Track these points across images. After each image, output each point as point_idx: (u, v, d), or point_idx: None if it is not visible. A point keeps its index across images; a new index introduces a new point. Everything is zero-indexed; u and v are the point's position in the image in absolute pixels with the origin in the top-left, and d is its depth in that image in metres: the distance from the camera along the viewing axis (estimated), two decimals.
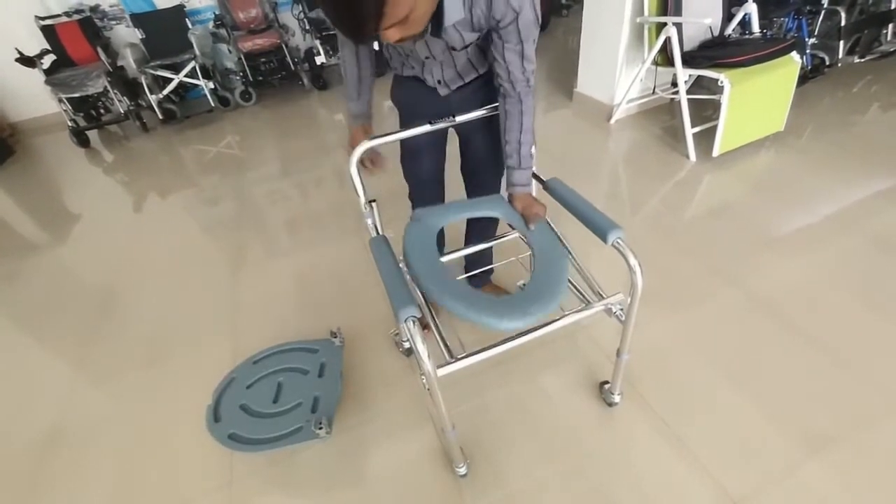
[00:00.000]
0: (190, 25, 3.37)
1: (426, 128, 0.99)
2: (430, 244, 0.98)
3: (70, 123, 3.23)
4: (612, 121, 2.58)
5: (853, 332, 1.29)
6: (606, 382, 1.20)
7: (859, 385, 1.16)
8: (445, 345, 0.92)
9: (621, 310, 0.96)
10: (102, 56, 3.15)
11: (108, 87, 3.16)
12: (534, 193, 1.15)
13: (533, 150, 1.01)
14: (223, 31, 3.60)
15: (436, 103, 1.04)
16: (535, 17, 0.80)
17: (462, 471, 1.07)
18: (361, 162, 1.03)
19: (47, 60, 3.18)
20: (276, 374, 1.24)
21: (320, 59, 3.59)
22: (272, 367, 1.26)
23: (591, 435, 1.14)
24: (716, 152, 2.10)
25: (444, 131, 1.16)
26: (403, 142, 1.11)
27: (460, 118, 1.00)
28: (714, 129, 2.06)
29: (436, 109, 1.02)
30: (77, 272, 2.04)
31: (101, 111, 3.54)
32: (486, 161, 1.18)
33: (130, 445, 1.27)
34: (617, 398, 1.17)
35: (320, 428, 1.06)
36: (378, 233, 1.01)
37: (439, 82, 1.02)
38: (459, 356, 0.87)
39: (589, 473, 1.06)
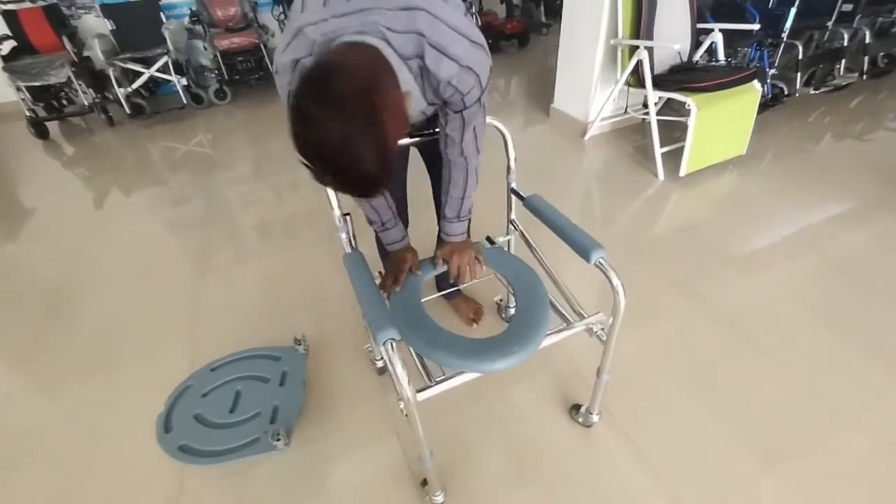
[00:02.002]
0: (164, 19, 3.27)
1: (405, 140, 0.97)
2: (415, 300, 0.96)
3: (28, 113, 3.07)
4: (587, 137, 2.65)
5: (807, 348, 1.35)
6: (579, 406, 1.18)
7: (812, 400, 1.21)
8: (424, 367, 0.89)
9: (602, 329, 0.96)
10: (68, 45, 3.02)
11: (72, 78, 3.02)
12: (513, 214, 1.16)
13: (465, 209, 1.00)
14: (199, 28, 3.52)
15: None
16: (479, 94, 0.79)
17: (439, 499, 1.02)
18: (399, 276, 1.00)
19: (6, 46, 3.02)
20: (235, 382, 1.19)
21: None
22: (231, 375, 1.21)
23: (563, 455, 1.12)
24: (683, 172, 2.18)
25: (406, 155, 1.15)
26: None
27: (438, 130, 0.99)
28: (681, 149, 2.15)
29: None
30: (26, 270, 1.92)
31: (64, 102, 3.38)
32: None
33: (72, 456, 1.18)
34: (595, 418, 1.16)
35: (278, 439, 1.02)
36: (352, 248, 0.98)
37: None
38: (438, 379, 0.85)
39: (562, 497, 1.05)
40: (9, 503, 1.10)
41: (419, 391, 0.81)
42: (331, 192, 0.94)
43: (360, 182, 0.61)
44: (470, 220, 1.06)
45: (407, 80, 0.70)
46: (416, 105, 0.75)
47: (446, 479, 1.07)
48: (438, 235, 1.34)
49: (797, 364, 1.30)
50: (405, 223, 1.29)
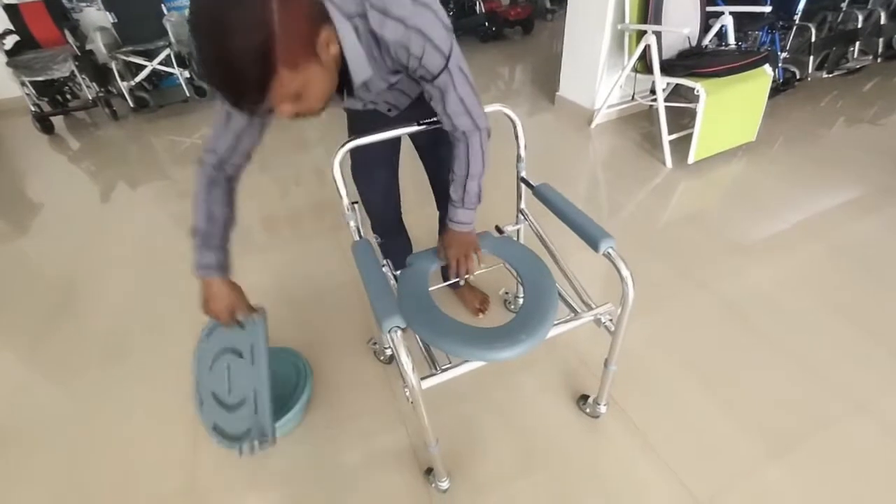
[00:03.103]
0: (165, 11, 3.25)
1: (414, 128, 0.95)
2: (422, 288, 0.95)
3: (33, 108, 3.08)
4: (593, 125, 2.61)
5: (816, 336, 1.34)
6: (587, 396, 1.18)
7: (819, 388, 1.20)
8: (430, 355, 0.89)
9: (610, 320, 0.95)
10: (70, 39, 3.01)
11: (76, 72, 3.02)
12: (522, 203, 1.13)
13: (471, 193, 0.95)
14: None
15: (387, 122, 0.99)
16: (441, 60, 0.75)
17: (444, 485, 1.03)
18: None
19: (9, 41, 3.02)
20: (223, 354, 1.09)
21: None
22: (220, 345, 1.13)
23: (570, 445, 1.12)
24: (691, 159, 2.15)
25: (398, 144, 1.14)
26: (354, 154, 1.07)
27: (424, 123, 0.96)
28: (690, 136, 2.11)
29: (387, 124, 0.97)
30: (36, 264, 1.94)
31: (68, 96, 3.39)
32: (449, 165, 1.16)
33: (85, 446, 1.20)
34: (603, 409, 1.15)
35: (264, 438, 0.98)
36: (360, 236, 0.97)
37: (389, 110, 0.98)
38: (444, 367, 0.85)
39: (568, 486, 1.05)
40: (22, 492, 1.12)
41: (424, 378, 0.81)
42: (339, 181, 0.93)
43: (226, 67, 0.56)
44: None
45: (349, 37, 0.68)
46: (359, 73, 0.72)
47: (452, 467, 1.08)
48: (440, 222, 1.33)
49: (805, 352, 1.29)
50: (397, 215, 1.28)
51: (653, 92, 2.24)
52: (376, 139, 0.93)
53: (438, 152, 1.11)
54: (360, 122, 1.07)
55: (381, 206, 1.23)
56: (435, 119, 0.93)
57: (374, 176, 1.16)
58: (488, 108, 0.97)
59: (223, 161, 0.83)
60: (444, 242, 1.01)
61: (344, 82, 0.74)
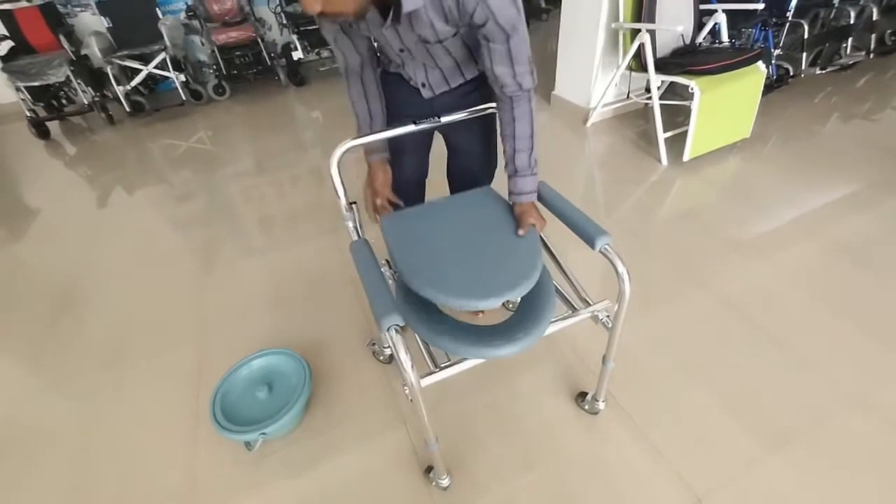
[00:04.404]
0: (160, 15, 3.25)
1: (409, 128, 0.96)
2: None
3: (28, 113, 3.07)
4: (589, 124, 2.62)
5: (812, 331, 1.34)
6: (585, 393, 1.19)
7: (816, 383, 1.21)
8: (429, 353, 0.90)
9: (608, 317, 0.95)
10: (65, 44, 3.01)
11: (71, 77, 3.02)
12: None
13: (533, 158, 0.96)
14: (196, 23, 3.49)
15: (419, 104, 1.01)
16: (516, 12, 0.75)
17: (445, 483, 1.04)
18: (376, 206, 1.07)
19: (4, 46, 3.01)
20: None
21: (297, 55, 3.52)
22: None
23: (569, 442, 1.13)
24: (686, 157, 2.16)
25: (430, 134, 1.13)
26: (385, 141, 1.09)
27: (445, 119, 0.98)
28: (685, 134, 2.12)
29: (419, 110, 0.99)
30: (34, 270, 1.93)
31: (64, 102, 3.38)
32: (473, 165, 1.15)
33: (85, 449, 1.20)
34: (601, 405, 1.16)
35: None
36: (359, 237, 0.98)
37: (423, 85, 0.99)
38: (443, 365, 0.85)
39: (567, 483, 1.05)
40: (23, 496, 1.12)
41: (424, 377, 0.82)
42: (337, 181, 0.94)
43: None
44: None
45: None
46: (409, 1, 0.72)
47: (452, 465, 1.08)
48: None
49: (803, 347, 1.30)
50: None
51: (647, 90, 2.25)
52: (384, 136, 0.94)
53: (465, 141, 1.12)
54: (393, 103, 1.07)
55: (405, 191, 1.20)
56: (467, 114, 0.96)
57: (402, 163, 1.14)
58: None
59: (355, 60, 0.96)
60: (522, 218, 0.95)
61: (393, 6, 0.73)
